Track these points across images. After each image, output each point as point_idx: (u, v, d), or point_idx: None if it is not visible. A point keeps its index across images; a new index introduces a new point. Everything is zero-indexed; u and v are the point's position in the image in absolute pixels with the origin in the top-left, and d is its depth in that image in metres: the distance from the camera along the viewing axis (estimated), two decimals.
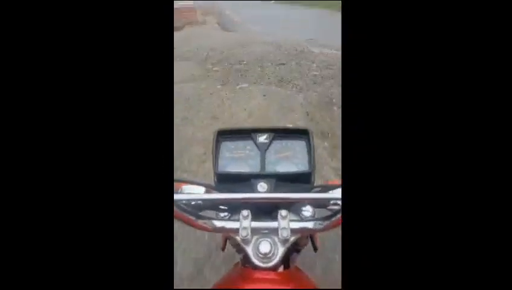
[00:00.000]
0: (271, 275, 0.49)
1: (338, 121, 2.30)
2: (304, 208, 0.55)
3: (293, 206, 0.55)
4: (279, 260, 0.49)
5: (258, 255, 0.49)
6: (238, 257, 0.62)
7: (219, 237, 0.82)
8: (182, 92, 2.97)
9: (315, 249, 0.83)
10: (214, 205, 0.55)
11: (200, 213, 0.52)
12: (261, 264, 0.49)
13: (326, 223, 0.50)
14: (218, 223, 0.51)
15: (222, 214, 0.55)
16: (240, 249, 0.56)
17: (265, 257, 0.49)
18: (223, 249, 0.82)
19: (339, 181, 0.53)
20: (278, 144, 0.59)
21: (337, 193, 0.47)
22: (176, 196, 0.48)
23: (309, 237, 0.81)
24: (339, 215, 0.48)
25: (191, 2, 6.76)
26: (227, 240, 0.77)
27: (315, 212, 0.55)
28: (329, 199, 0.53)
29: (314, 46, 4.62)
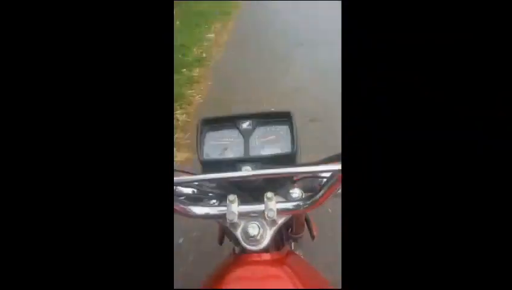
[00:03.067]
0: (261, 257, 0.50)
1: None
2: (291, 191, 0.56)
3: (281, 190, 0.56)
4: (268, 242, 0.50)
5: (247, 238, 0.50)
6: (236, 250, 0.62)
7: None
8: None
9: (312, 237, 0.83)
10: (202, 194, 0.57)
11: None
12: (250, 247, 0.50)
13: (312, 200, 0.50)
14: (205, 210, 0.52)
15: (211, 202, 0.56)
16: (232, 238, 0.56)
17: (254, 239, 0.50)
18: (220, 242, 0.83)
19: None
20: (261, 130, 0.59)
21: (325, 167, 0.46)
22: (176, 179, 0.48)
23: (305, 225, 0.82)
24: (325, 189, 0.48)
25: None
26: (225, 234, 0.78)
27: (303, 195, 0.56)
28: (317, 173, 0.54)
29: None
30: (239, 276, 0.49)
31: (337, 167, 0.42)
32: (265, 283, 0.48)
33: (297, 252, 0.72)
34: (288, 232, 0.79)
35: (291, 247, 0.79)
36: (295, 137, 0.56)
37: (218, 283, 0.48)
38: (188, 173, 0.52)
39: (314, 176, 0.60)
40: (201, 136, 0.59)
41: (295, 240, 0.83)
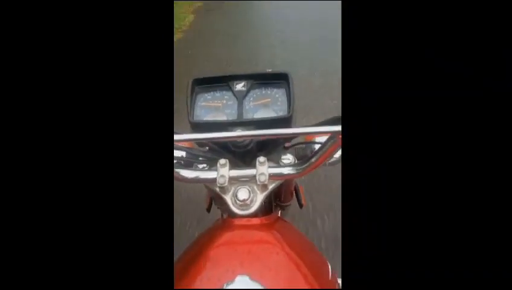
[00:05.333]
0: (250, 221, 0.50)
1: None
2: (284, 157, 0.56)
3: (273, 156, 0.55)
4: (258, 207, 0.49)
5: (236, 202, 0.49)
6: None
7: None
8: None
9: (300, 205, 0.83)
10: (192, 158, 0.55)
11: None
12: (239, 212, 0.49)
13: (304, 166, 0.49)
14: (195, 173, 0.51)
15: (200, 166, 0.55)
16: (222, 203, 0.55)
17: (244, 203, 0.49)
18: (208, 209, 0.82)
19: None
20: (256, 92, 0.56)
21: (324, 128, 0.43)
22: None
23: (294, 193, 0.81)
24: (318, 156, 0.47)
25: None
26: (213, 201, 0.77)
27: (295, 161, 0.55)
28: (314, 134, 0.53)
29: None
30: (227, 240, 0.48)
31: (337, 128, 0.41)
32: (254, 247, 0.48)
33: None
34: (277, 201, 0.78)
35: (278, 215, 0.78)
36: (292, 100, 0.53)
37: (205, 247, 0.47)
38: (176, 133, 0.49)
39: (307, 142, 0.59)
40: (192, 97, 0.55)
41: (283, 208, 0.82)
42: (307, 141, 0.60)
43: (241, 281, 0.42)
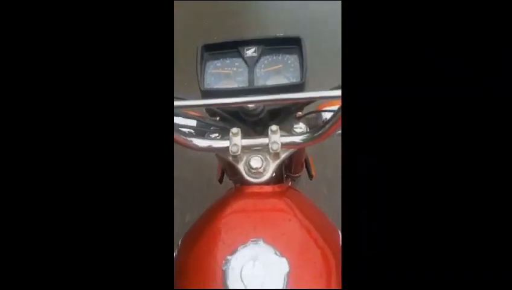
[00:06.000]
0: (263, 189, 0.51)
1: None
2: (296, 126, 0.56)
3: (285, 125, 0.55)
4: (271, 175, 0.50)
5: (249, 170, 0.50)
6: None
7: None
8: None
9: (310, 176, 0.85)
10: (204, 127, 0.56)
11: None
12: (252, 180, 0.50)
13: (316, 134, 0.49)
14: (208, 142, 0.51)
15: (213, 135, 0.55)
16: (233, 173, 0.56)
17: (257, 171, 0.50)
18: (220, 181, 0.83)
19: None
20: (267, 58, 0.55)
21: (335, 92, 0.43)
22: (176, 103, 0.45)
23: (304, 164, 0.83)
24: (330, 125, 0.46)
25: None
26: (224, 173, 0.79)
27: (307, 130, 0.56)
28: (324, 101, 0.53)
29: None
30: (240, 206, 0.49)
31: None
32: (267, 213, 0.49)
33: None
34: (287, 172, 0.80)
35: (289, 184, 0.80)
36: (305, 66, 0.52)
37: (219, 213, 0.49)
38: (187, 99, 0.48)
39: (319, 110, 0.59)
40: (202, 64, 0.54)
41: (293, 179, 0.84)
42: (319, 109, 0.60)
43: (255, 244, 0.43)
